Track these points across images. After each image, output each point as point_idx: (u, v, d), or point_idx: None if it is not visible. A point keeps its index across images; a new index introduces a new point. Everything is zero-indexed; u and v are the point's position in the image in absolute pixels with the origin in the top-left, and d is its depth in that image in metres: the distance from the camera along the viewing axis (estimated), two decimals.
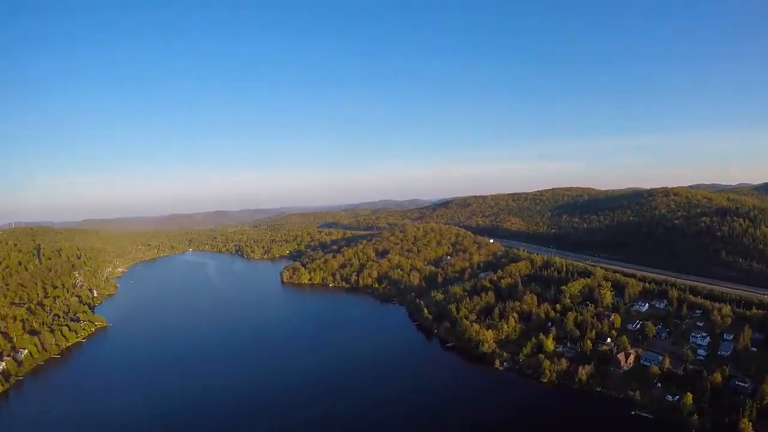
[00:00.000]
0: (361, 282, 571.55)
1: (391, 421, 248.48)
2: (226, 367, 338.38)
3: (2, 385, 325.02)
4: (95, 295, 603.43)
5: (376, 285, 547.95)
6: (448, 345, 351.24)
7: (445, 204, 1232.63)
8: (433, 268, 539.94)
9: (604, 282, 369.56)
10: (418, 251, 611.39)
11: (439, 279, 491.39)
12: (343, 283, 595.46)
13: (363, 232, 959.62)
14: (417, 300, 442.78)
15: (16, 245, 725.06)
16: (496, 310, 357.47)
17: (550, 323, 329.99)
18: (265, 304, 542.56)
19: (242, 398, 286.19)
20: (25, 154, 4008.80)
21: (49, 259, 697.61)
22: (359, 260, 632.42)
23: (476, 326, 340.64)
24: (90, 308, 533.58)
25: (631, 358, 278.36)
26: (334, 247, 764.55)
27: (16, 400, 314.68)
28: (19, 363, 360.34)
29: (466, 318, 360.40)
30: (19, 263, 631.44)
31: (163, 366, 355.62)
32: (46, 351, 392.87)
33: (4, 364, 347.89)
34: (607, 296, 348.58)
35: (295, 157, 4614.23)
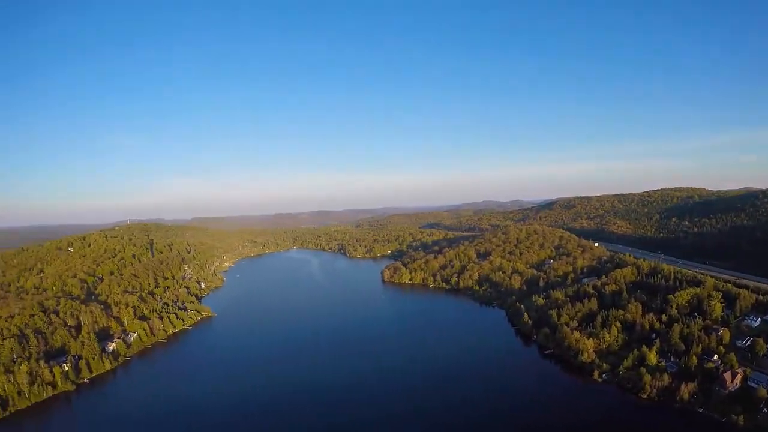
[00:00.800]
0: (461, 283, 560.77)
1: (477, 421, 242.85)
2: (318, 360, 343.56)
3: (111, 363, 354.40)
4: (203, 287, 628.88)
5: (477, 287, 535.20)
6: (546, 352, 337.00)
7: (548, 205, 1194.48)
8: (535, 271, 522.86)
9: (714, 292, 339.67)
10: (520, 254, 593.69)
11: (541, 283, 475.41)
12: (444, 284, 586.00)
13: (465, 233, 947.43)
14: (517, 304, 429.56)
15: (131, 240, 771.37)
16: (599, 318, 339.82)
17: (654, 335, 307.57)
18: (364, 302, 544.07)
19: (332, 391, 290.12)
20: (142, 159, 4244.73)
21: (161, 252, 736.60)
22: (460, 261, 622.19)
23: (576, 334, 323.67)
24: (197, 299, 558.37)
25: (738, 378, 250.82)
26: (436, 247, 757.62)
27: (122, 377, 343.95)
28: (128, 345, 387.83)
29: (567, 325, 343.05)
30: (133, 256, 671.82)
31: (260, 355, 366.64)
32: (154, 336, 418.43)
33: (114, 345, 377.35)
34: (717, 308, 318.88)
35: (398, 158, 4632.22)
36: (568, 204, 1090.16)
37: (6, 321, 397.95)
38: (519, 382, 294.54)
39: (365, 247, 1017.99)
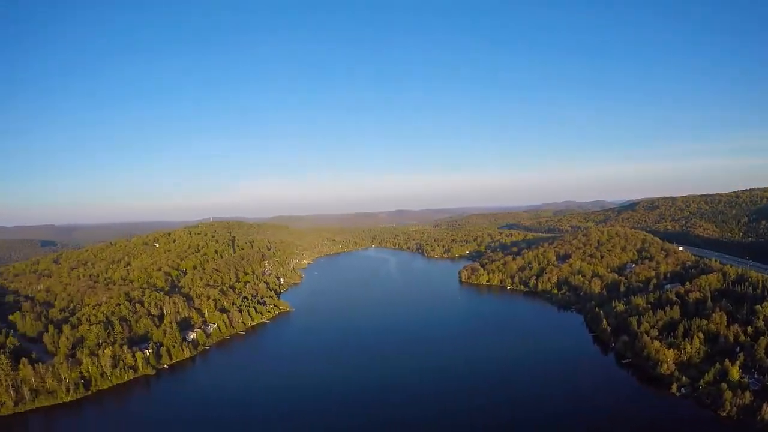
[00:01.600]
0: (539, 286, 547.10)
1: (543, 423, 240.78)
2: (389, 357, 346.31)
3: (191, 351, 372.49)
4: (282, 282, 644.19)
5: (555, 290, 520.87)
6: (624, 361, 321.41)
7: (631, 206, 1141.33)
8: (616, 275, 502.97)
9: None
10: (601, 257, 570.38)
11: (622, 288, 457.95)
12: (522, 287, 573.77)
13: (544, 235, 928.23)
14: (596, 309, 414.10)
15: (213, 237, 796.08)
16: (680, 328, 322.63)
17: (738, 348, 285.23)
18: (440, 302, 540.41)
19: (399, 387, 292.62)
20: (226, 160, 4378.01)
21: (242, 249, 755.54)
22: (539, 263, 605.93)
23: (656, 344, 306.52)
24: (276, 294, 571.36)
25: None
26: (514, 248, 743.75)
27: (200, 365, 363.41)
28: (208, 335, 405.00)
29: (647, 333, 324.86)
30: (216, 252, 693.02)
31: (333, 351, 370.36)
32: (233, 327, 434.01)
33: (194, 334, 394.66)
34: None
35: (476, 158, 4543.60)
36: (652, 205, 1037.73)
37: (94, 308, 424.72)
38: (591, 389, 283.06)
39: (443, 247, 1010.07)
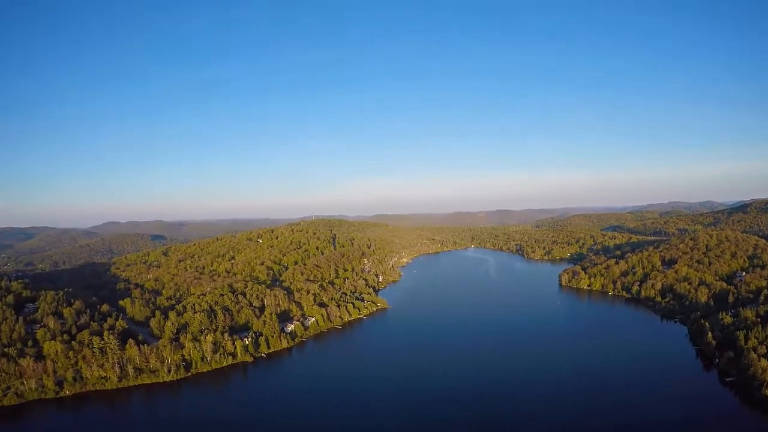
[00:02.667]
0: (642, 293, 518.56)
1: None
2: (480, 359, 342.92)
3: (288, 342, 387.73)
4: (380, 280, 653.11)
5: (659, 298, 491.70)
6: (727, 379, 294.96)
7: (742, 207, 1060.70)
8: (725, 284, 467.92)
9: None
10: (709, 263, 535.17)
11: (731, 298, 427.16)
12: (624, 293, 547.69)
13: (650, 238, 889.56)
14: (701, 321, 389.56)
15: (315, 233, 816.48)
16: None
17: None
18: (538, 305, 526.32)
19: (490, 387, 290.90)
20: (328, 159, 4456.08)
21: (343, 246, 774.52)
22: (643, 268, 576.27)
23: (764, 362, 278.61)
24: (374, 291, 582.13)
25: None
26: (618, 252, 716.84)
27: (296, 356, 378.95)
28: (306, 328, 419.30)
29: (754, 350, 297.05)
30: (317, 248, 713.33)
31: (426, 348, 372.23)
32: (330, 321, 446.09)
33: (293, 326, 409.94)
34: None
35: (579, 155, 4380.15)
36: (765, 206, 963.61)
37: (198, 298, 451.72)
38: (682, 407, 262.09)
39: (544, 248, 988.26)
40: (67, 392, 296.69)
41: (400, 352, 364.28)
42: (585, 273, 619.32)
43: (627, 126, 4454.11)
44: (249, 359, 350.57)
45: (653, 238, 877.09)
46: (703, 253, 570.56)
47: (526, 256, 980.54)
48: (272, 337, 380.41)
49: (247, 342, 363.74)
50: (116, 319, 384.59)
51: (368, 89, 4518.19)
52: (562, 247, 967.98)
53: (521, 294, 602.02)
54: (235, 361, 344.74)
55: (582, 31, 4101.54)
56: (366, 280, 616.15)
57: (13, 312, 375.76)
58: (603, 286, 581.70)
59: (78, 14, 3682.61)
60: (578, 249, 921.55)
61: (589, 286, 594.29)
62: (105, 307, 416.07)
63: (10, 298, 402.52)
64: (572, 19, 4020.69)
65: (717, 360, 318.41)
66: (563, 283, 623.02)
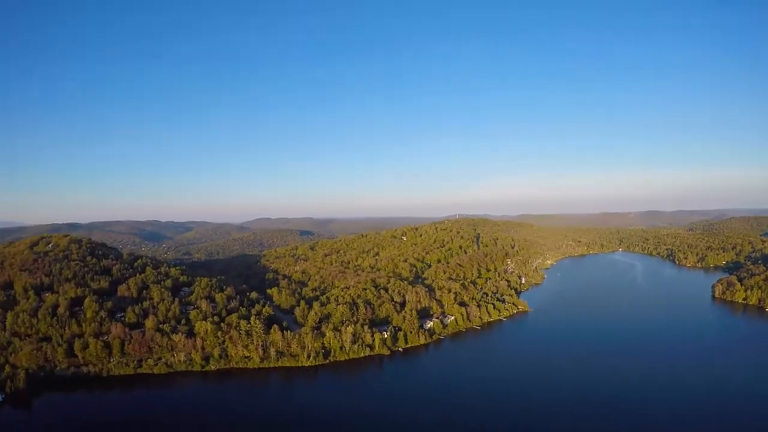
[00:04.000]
0: None
1: None
2: (619, 370, 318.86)
3: (426, 339, 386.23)
4: (523, 281, 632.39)
5: None
6: None
7: None
8: None
9: None
10: None
11: None
12: None
13: None
14: None
15: (458, 232, 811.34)
16: None
17: None
18: (687, 319, 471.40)
19: (623, 402, 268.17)
20: (471, 158, 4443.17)
21: (486, 246, 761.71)
22: None
23: None
24: (516, 292, 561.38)
25: None
26: None
27: (432, 353, 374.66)
28: (444, 326, 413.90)
29: None
30: (460, 247, 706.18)
31: (565, 355, 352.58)
32: (469, 321, 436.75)
33: (432, 324, 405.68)
34: None
35: (735, 151, 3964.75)
36: None
37: (342, 290, 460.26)
38: None
39: (697, 255, 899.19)
40: (212, 367, 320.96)
41: (537, 358, 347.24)
42: (741, 284, 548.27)
43: None
44: (386, 352, 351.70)
45: None
46: None
47: (677, 262, 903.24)
48: (411, 332, 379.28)
49: (385, 335, 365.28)
50: (263, 306, 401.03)
51: (507, 87, 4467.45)
52: (717, 254, 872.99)
53: (670, 305, 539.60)
54: (372, 353, 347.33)
55: None
56: (508, 281, 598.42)
57: (170, 294, 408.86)
58: (760, 301, 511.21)
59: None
60: (735, 256, 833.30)
61: (744, 299, 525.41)
62: (254, 294, 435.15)
63: (168, 282, 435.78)
64: None
65: None
66: (716, 295, 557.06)
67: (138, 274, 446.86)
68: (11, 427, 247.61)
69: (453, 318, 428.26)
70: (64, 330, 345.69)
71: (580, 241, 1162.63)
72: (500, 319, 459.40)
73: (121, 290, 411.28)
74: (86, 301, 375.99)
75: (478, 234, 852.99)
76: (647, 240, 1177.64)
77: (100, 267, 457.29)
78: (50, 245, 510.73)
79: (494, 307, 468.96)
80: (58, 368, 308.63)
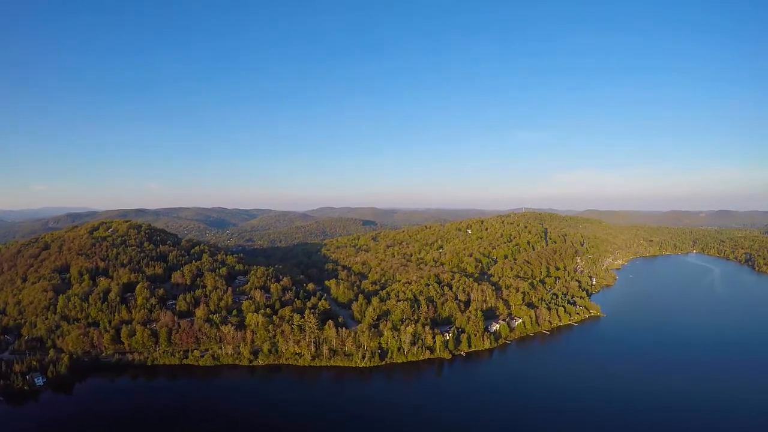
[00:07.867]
0: None
1: None
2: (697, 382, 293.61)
3: (491, 343, 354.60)
4: (594, 282, 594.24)
5: None
6: None
7: None
8: None
9: None
10: None
11: None
12: None
13: None
14: None
15: (526, 227, 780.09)
16: None
17: None
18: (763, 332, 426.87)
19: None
20: (541, 153, 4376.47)
21: (555, 242, 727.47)
22: None
23: None
24: (587, 294, 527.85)
25: None
26: None
27: (497, 359, 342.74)
28: (511, 329, 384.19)
29: None
30: (528, 243, 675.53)
31: (638, 368, 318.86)
32: (538, 325, 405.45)
33: (498, 326, 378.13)
34: None
35: None
36: None
37: (404, 285, 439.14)
38: None
39: None
40: (261, 362, 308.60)
41: (608, 370, 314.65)
42: None
43: None
44: (447, 356, 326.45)
45: None
46: None
47: (756, 268, 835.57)
48: (475, 335, 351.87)
49: (447, 337, 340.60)
50: (319, 299, 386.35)
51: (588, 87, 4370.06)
52: None
53: (748, 313, 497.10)
54: (431, 356, 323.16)
55: None
56: (579, 281, 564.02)
57: (224, 282, 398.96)
58: None
59: None
60: None
61: None
62: (311, 286, 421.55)
63: (223, 270, 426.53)
64: None
65: None
66: None
67: (194, 261, 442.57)
68: (48, 411, 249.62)
69: (521, 321, 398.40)
70: (113, 316, 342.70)
71: (651, 241, 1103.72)
72: (571, 324, 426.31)
73: (175, 277, 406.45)
74: (138, 287, 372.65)
75: (546, 229, 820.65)
76: (723, 242, 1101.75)
77: (156, 253, 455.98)
78: (110, 230, 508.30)
79: (565, 311, 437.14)
80: (103, 354, 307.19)
